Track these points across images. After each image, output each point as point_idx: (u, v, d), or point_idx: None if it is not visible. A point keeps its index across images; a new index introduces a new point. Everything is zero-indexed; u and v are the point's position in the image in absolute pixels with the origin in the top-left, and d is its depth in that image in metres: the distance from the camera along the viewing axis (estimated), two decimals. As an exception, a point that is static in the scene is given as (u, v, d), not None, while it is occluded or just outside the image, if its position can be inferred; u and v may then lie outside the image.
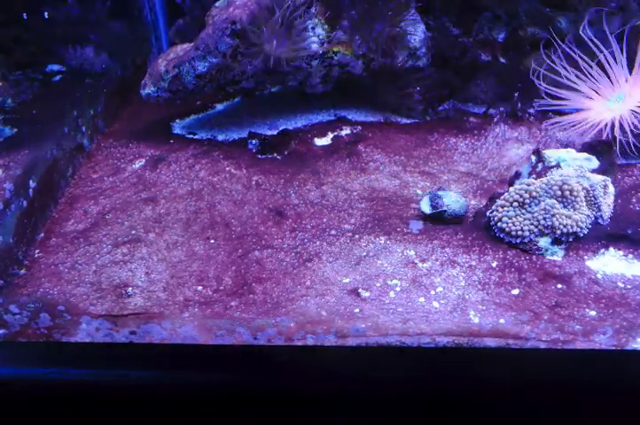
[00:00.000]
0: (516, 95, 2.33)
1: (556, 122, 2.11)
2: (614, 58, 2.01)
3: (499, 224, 1.70)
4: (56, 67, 2.49)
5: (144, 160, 2.16)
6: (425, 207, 1.81)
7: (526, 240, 1.68)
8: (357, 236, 1.78)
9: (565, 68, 2.06)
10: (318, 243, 1.77)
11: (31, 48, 2.44)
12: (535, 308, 1.54)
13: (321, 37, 2.13)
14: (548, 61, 2.09)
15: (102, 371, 1.44)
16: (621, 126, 1.98)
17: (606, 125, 1.99)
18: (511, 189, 1.72)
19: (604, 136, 1.99)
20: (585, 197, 1.69)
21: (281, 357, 1.45)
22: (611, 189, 1.75)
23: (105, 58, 2.54)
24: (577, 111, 2.09)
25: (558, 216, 1.64)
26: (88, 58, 2.50)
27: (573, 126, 2.07)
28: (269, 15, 1.99)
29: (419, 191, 2.01)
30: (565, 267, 1.65)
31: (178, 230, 1.84)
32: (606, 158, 1.93)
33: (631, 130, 1.96)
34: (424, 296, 1.58)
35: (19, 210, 1.74)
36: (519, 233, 1.67)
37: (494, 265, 1.67)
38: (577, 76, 2.06)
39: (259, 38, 2.01)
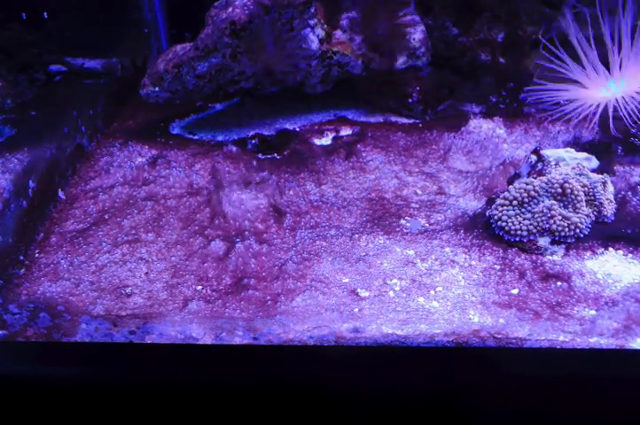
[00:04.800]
0: (515, 94, 2.33)
1: (550, 109, 2.15)
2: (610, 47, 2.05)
3: (499, 223, 1.70)
4: (57, 68, 2.49)
5: (143, 160, 2.16)
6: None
7: (525, 239, 1.68)
8: (357, 236, 1.78)
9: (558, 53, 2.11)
10: (318, 242, 1.77)
11: (33, 49, 2.44)
12: (535, 307, 1.54)
13: (320, 37, 2.13)
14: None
15: (102, 371, 1.44)
16: (615, 110, 2.00)
17: (602, 107, 2.02)
18: (511, 187, 1.72)
19: (596, 119, 2.01)
20: (585, 195, 1.69)
21: (280, 356, 1.45)
22: (610, 187, 1.75)
23: (105, 59, 2.55)
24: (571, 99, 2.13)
25: (557, 219, 1.64)
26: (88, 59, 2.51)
27: (567, 112, 2.10)
28: (268, 15, 1.99)
29: (419, 191, 2.01)
30: (565, 267, 1.66)
31: (177, 230, 1.84)
32: (606, 158, 1.93)
33: (628, 114, 1.99)
34: (423, 295, 1.58)
35: (19, 210, 1.74)
36: (519, 232, 1.67)
37: (493, 264, 1.67)
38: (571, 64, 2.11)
39: (253, 45, 2.02)
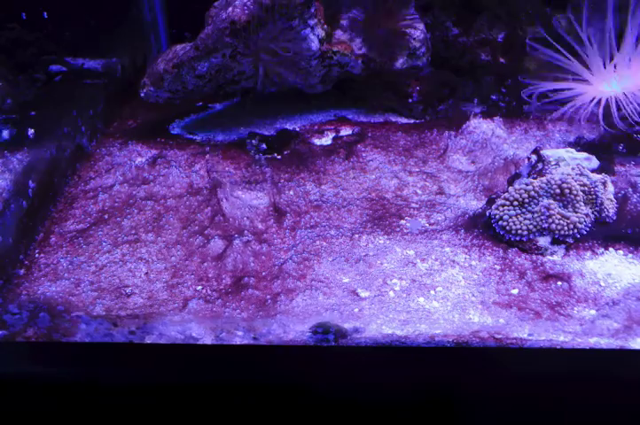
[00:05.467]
0: (514, 93, 2.33)
1: (549, 102, 2.15)
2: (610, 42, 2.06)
3: (500, 222, 1.70)
4: (57, 68, 2.49)
5: (143, 160, 2.16)
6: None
7: (525, 239, 1.68)
8: (357, 236, 1.78)
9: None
10: (318, 242, 1.77)
11: (33, 49, 2.44)
12: (535, 307, 1.53)
13: (320, 37, 2.13)
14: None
15: (102, 371, 1.44)
16: (617, 106, 2.01)
17: (603, 102, 2.02)
18: (511, 188, 1.72)
19: (600, 114, 2.02)
20: (585, 195, 1.69)
21: (280, 356, 1.45)
22: (610, 187, 1.75)
23: (105, 59, 2.55)
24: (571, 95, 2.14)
25: (555, 218, 1.64)
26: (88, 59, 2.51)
27: (568, 109, 2.10)
28: (268, 15, 1.99)
29: (419, 191, 2.01)
30: (565, 267, 1.65)
31: (177, 230, 1.84)
32: (606, 158, 1.93)
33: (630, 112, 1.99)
34: (423, 295, 1.58)
35: (19, 210, 1.74)
36: (519, 232, 1.67)
37: (493, 264, 1.67)
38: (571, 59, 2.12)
39: (253, 45, 2.02)
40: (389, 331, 1.46)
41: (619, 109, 2.04)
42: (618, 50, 2.10)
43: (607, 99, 2.05)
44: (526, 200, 1.68)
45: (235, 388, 1.42)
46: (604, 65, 2.11)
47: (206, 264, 1.70)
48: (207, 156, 2.17)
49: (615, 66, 2.10)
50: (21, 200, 1.76)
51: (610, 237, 1.74)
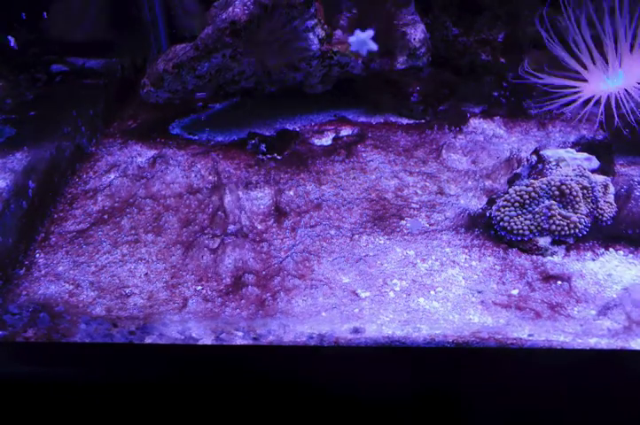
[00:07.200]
0: (514, 93, 2.33)
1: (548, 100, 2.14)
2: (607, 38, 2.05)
3: (501, 223, 1.70)
4: (58, 68, 2.49)
5: (143, 160, 2.16)
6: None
7: (526, 238, 1.68)
8: (357, 236, 1.78)
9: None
10: (318, 242, 1.77)
11: (33, 49, 2.44)
12: (535, 307, 1.53)
13: (320, 37, 2.13)
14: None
15: (101, 371, 1.44)
16: (616, 102, 2.00)
17: (600, 99, 2.02)
18: (511, 190, 1.72)
19: (600, 111, 2.01)
20: (585, 196, 1.69)
21: (280, 357, 1.45)
22: (611, 189, 1.75)
23: (105, 59, 2.55)
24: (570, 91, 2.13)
25: (555, 219, 1.64)
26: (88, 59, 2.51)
27: (567, 104, 2.09)
28: (268, 15, 1.99)
29: (419, 191, 2.01)
30: (566, 267, 1.65)
31: (177, 229, 1.83)
32: (606, 158, 1.93)
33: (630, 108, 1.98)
34: (424, 296, 1.58)
35: (19, 210, 1.74)
36: (520, 232, 1.67)
37: (494, 265, 1.67)
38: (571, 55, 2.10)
39: (253, 45, 2.02)
40: (389, 331, 1.46)
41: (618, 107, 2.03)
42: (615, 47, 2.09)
43: (607, 97, 2.05)
44: (527, 201, 1.68)
45: (235, 388, 1.42)
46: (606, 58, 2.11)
47: (205, 264, 1.70)
48: (208, 156, 2.17)
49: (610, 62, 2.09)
50: (21, 200, 1.76)
51: (610, 238, 1.74)
